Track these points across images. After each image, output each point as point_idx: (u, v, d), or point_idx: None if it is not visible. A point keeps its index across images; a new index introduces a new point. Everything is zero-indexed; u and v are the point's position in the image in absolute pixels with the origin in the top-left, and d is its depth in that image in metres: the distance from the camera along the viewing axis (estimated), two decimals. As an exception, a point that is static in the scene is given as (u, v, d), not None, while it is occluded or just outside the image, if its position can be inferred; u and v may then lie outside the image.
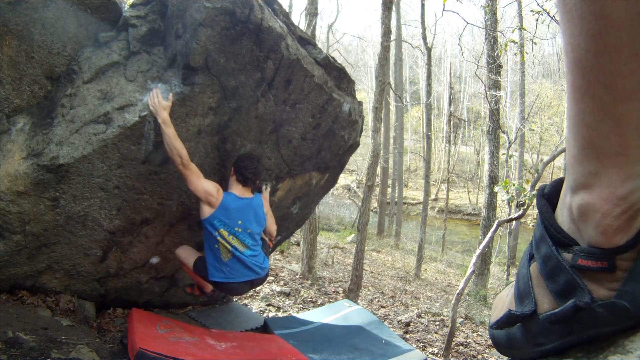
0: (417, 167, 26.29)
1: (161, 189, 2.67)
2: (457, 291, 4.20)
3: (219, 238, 2.52)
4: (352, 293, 5.74)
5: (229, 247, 2.54)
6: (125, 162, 2.45)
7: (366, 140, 11.63)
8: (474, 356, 4.94)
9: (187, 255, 2.80)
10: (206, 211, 2.52)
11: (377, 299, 6.94)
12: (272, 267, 6.84)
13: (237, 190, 2.64)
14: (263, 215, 2.73)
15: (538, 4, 5.23)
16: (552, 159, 5.74)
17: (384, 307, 6.55)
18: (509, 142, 7.09)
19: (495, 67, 8.57)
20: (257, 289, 5.43)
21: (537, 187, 4.69)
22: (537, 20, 5.50)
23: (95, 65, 2.43)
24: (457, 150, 24.00)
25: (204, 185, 2.47)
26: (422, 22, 11.20)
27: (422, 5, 11.51)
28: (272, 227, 2.97)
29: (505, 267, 7.96)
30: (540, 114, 18.32)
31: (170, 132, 2.31)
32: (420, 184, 21.28)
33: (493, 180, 8.53)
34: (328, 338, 3.45)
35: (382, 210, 15.46)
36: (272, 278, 6.27)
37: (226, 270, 2.58)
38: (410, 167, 26.17)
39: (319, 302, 5.74)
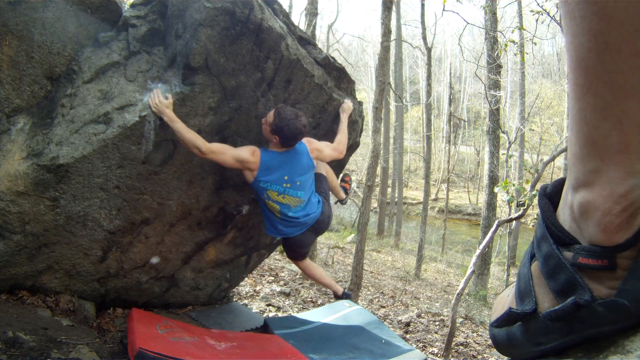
0: (417, 167, 26.28)
1: (161, 189, 2.67)
2: (457, 291, 4.20)
3: (267, 201, 2.57)
4: (352, 293, 5.73)
5: (279, 207, 2.59)
6: (125, 162, 2.45)
7: (366, 140, 11.63)
8: (474, 356, 4.94)
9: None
10: (249, 176, 2.55)
11: (377, 299, 6.93)
12: (272, 267, 6.83)
13: (276, 147, 2.60)
14: (309, 161, 2.66)
15: (538, 4, 5.23)
16: (552, 158, 5.73)
17: (384, 307, 6.54)
18: (509, 142, 7.08)
19: (495, 67, 8.57)
20: (257, 288, 5.42)
21: (537, 187, 4.69)
22: (537, 20, 5.51)
23: (95, 65, 2.43)
24: (457, 150, 24.02)
25: (235, 156, 2.46)
26: (422, 22, 11.19)
27: (422, 5, 11.50)
28: (339, 145, 2.88)
29: (505, 267, 7.96)
30: (540, 114, 18.34)
31: (179, 127, 2.31)
32: (420, 184, 21.26)
33: (493, 180, 8.52)
34: (328, 338, 3.44)
35: (382, 210, 15.46)
36: (272, 278, 6.26)
37: (282, 227, 2.69)
38: (410, 167, 26.17)
39: (319, 302, 5.74)
